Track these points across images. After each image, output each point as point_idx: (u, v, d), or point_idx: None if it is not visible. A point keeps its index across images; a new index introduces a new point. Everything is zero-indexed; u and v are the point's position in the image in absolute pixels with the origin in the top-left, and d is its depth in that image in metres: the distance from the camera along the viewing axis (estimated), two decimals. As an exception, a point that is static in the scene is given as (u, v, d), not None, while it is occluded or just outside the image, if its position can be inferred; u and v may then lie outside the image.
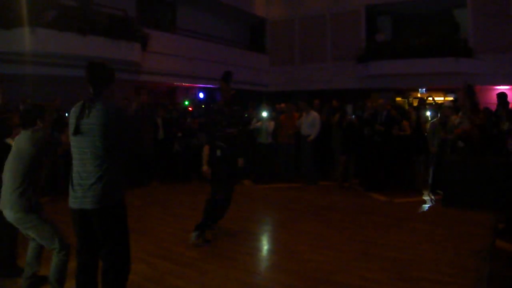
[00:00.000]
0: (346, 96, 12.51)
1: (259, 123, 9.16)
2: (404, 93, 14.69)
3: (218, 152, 5.29)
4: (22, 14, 7.90)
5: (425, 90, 13.97)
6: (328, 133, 8.81)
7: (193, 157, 9.12)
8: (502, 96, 8.33)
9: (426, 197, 7.45)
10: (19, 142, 3.24)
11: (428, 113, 9.16)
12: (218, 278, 3.93)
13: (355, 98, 11.53)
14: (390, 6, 14.48)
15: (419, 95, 14.03)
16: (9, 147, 3.45)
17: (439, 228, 5.70)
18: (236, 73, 10.55)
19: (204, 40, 13.78)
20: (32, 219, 3.17)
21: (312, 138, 8.67)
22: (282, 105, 10.14)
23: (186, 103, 12.79)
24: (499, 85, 12.38)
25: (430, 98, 11.86)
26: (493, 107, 9.00)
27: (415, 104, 11.57)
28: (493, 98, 9.05)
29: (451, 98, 13.86)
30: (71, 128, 2.74)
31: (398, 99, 14.22)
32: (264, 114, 9.13)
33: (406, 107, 11.48)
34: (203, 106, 12.26)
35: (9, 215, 3.19)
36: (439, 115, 8.05)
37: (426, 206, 7.00)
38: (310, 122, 8.77)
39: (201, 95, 14.67)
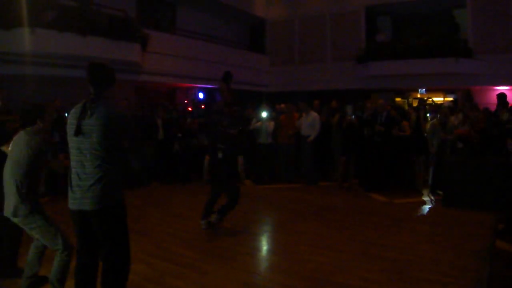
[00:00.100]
0: (346, 97, 12.50)
1: (259, 124, 9.16)
2: (404, 94, 14.70)
3: (220, 155, 5.33)
4: (22, 14, 7.89)
5: (425, 90, 13.97)
6: (328, 134, 8.81)
7: (193, 157, 9.13)
8: (502, 96, 8.35)
9: (426, 198, 7.45)
10: (18, 144, 3.23)
11: (428, 114, 9.18)
12: (218, 278, 3.93)
13: (355, 99, 11.52)
14: (390, 6, 14.47)
15: (419, 95, 14.03)
16: (5, 155, 3.44)
17: (439, 228, 5.71)
18: (236, 73, 10.66)
19: (204, 40, 13.77)
20: (36, 220, 3.18)
21: (312, 138, 8.67)
22: (282, 105, 10.14)
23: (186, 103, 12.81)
24: (499, 86, 12.38)
25: (430, 99, 11.88)
26: (493, 107, 9.01)
27: (415, 104, 11.58)
28: (493, 99, 9.06)
29: (450, 99, 13.88)
30: (72, 128, 2.73)
31: (398, 99, 14.22)
32: (264, 114, 9.13)
33: (406, 107, 11.49)
34: (203, 106, 12.27)
35: (14, 218, 3.21)
36: (438, 115, 8.05)
37: (426, 207, 6.99)
38: (310, 123, 8.77)
39: (201, 95, 14.66)
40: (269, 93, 15.90)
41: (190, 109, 11.94)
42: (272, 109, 9.71)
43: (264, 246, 5.22)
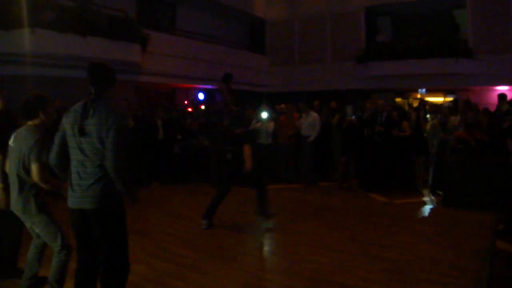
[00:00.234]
0: (346, 97, 12.50)
1: (258, 124, 9.16)
2: (404, 94, 14.70)
3: (229, 156, 5.36)
4: (22, 15, 7.90)
5: (425, 90, 13.97)
6: (328, 134, 8.81)
7: (193, 157, 9.13)
8: (502, 97, 8.37)
9: (426, 198, 7.44)
10: (19, 139, 3.21)
11: (427, 115, 9.18)
12: (218, 278, 3.93)
13: (355, 99, 11.52)
14: (390, 6, 14.49)
15: (419, 95, 14.03)
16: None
17: (439, 228, 5.71)
18: (236, 74, 10.66)
19: (204, 41, 13.78)
20: (42, 217, 3.18)
21: (312, 138, 8.67)
22: (282, 106, 10.14)
23: (186, 103, 12.80)
24: (499, 86, 12.39)
25: (430, 99, 11.88)
26: (493, 108, 9.02)
27: (415, 105, 11.58)
28: (493, 99, 9.07)
29: (451, 99, 13.88)
30: (74, 129, 2.72)
31: (398, 99, 14.23)
32: (264, 115, 9.12)
33: (406, 108, 11.49)
34: (202, 107, 12.27)
35: (20, 215, 3.22)
36: (438, 116, 8.05)
37: (426, 207, 6.99)
38: (310, 123, 8.77)
39: (201, 96, 14.66)
40: (269, 93, 15.90)
41: (190, 109, 11.94)
42: (272, 110, 9.70)
43: (264, 246, 5.22)
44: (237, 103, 9.84)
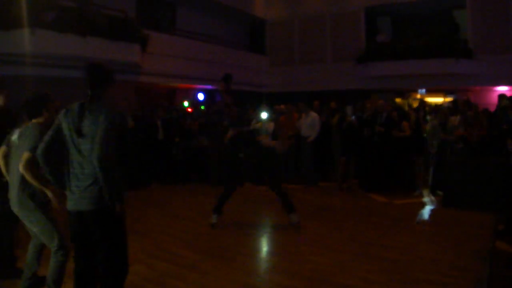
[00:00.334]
0: (346, 97, 12.48)
1: (258, 124, 9.14)
2: (404, 94, 14.69)
3: (241, 155, 5.39)
4: (21, 15, 7.90)
5: (425, 91, 13.97)
6: (327, 134, 8.81)
7: (193, 158, 9.13)
8: (503, 98, 8.37)
9: (426, 198, 7.44)
10: (24, 137, 3.20)
11: (427, 116, 9.18)
12: (218, 278, 3.93)
13: (355, 99, 11.51)
14: (390, 6, 14.48)
15: (418, 96, 14.03)
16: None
17: (439, 228, 5.71)
18: (236, 74, 10.62)
19: (204, 41, 13.78)
20: (40, 215, 3.18)
21: (311, 139, 8.67)
22: (282, 106, 10.13)
23: (186, 104, 12.78)
24: (499, 86, 12.39)
25: (430, 99, 11.87)
26: (493, 108, 9.01)
27: (415, 105, 11.58)
28: (493, 99, 9.07)
29: (451, 99, 13.87)
30: (72, 130, 2.71)
31: (398, 100, 14.22)
32: (264, 115, 9.11)
33: (406, 108, 11.48)
34: (202, 107, 12.26)
35: (18, 212, 3.22)
36: (438, 116, 8.05)
37: (426, 207, 6.98)
38: (309, 123, 8.77)
39: (200, 96, 14.65)
40: (269, 93, 15.90)
41: (190, 110, 11.93)
42: (271, 110, 9.69)
43: (264, 247, 5.22)
44: (237, 104, 9.84)
